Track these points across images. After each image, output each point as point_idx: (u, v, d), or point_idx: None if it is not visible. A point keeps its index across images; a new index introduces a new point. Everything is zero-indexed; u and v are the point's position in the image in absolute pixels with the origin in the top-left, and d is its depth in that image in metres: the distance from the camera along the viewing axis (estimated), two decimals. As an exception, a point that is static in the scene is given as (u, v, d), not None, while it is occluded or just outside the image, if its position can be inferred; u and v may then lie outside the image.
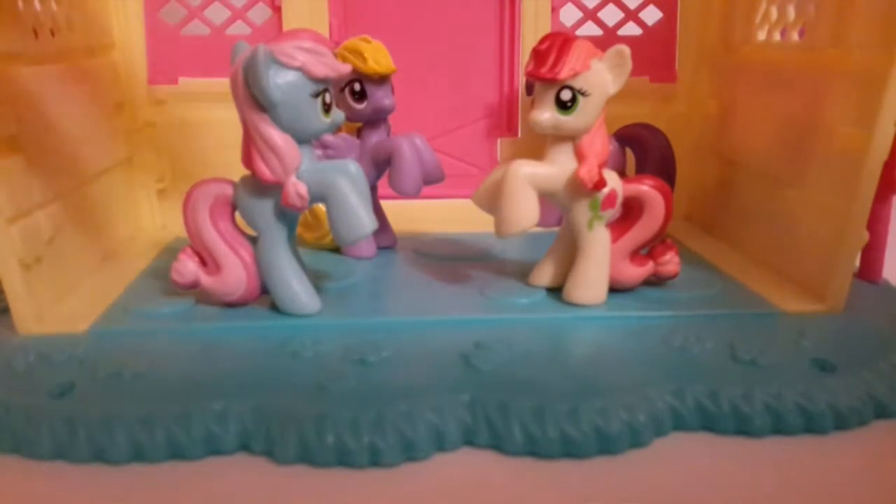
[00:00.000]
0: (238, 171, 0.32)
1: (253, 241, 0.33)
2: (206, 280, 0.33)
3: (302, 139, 0.31)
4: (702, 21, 0.47)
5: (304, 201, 0.30)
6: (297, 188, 0.30)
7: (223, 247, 0.33)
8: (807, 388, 0.27)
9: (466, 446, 0.26)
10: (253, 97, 0.30)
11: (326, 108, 0.31)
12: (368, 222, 0.31)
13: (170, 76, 0.46)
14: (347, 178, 0.31)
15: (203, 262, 0.33)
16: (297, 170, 0.31)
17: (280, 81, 0.29)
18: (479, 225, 0.41)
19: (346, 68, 0.32)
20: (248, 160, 0.31)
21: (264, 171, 0.30)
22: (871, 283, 0.38)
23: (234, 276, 0.33)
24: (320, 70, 0.30)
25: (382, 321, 0.34)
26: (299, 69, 0.29)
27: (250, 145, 0.31)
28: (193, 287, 0.33)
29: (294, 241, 0.34)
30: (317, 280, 0.37)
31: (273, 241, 0.32)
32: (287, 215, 0.32)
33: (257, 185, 0.32)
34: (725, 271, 0.39)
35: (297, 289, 0.33)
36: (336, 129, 0.34)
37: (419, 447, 0.25)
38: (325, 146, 0.39)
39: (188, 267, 0.33)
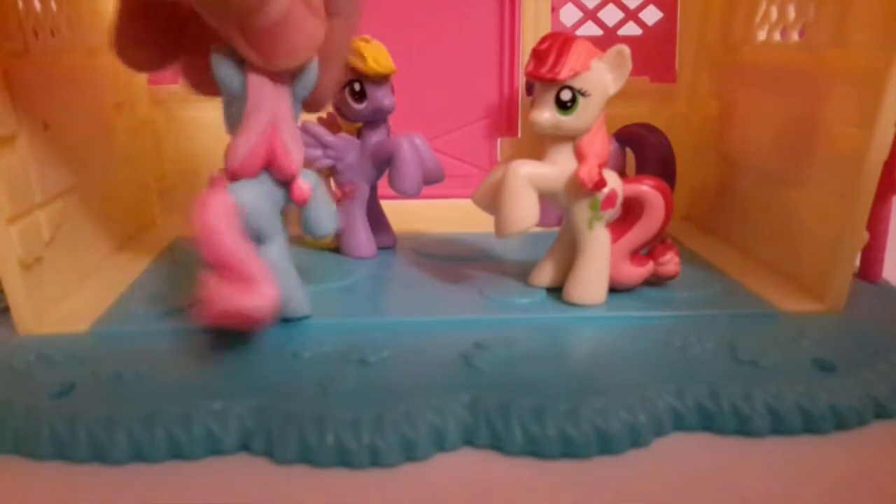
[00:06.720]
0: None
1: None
2: (247, 301, 0.27)
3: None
4: (702, 21, 0.47)
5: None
6: (303, 183, 0.31)
7: (256, 258, 0.29)
8: (807, 388, 0.27)
9: (466, 446, 0.26)
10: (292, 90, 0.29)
11: None
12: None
13: (170, 76, 0.46)
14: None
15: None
16: None
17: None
18: (479, 225, 0.41)
19: None
20: (272, 156, 0.30)
21: (291, 164, 0.30)
22: (871, 283, 0.38)
23: (273, 286, 0.28)
24: None
25: (382, 321, 0.34)
26: None
27: (275, 139, 0.29)
28: (238, 317, 0.28)
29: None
30: (317, 280, 0.37)
31: (281, 243, 0.31)
32: (280, 217, 0.32)
33: (261, 188, 0.30)
34: (725, 271, 0.39)
35: (294, 293, 0.32)
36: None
37: (419, 447, 0.25)
38: (325, 146, 0.39)
39: (225, 291, 0.27)
